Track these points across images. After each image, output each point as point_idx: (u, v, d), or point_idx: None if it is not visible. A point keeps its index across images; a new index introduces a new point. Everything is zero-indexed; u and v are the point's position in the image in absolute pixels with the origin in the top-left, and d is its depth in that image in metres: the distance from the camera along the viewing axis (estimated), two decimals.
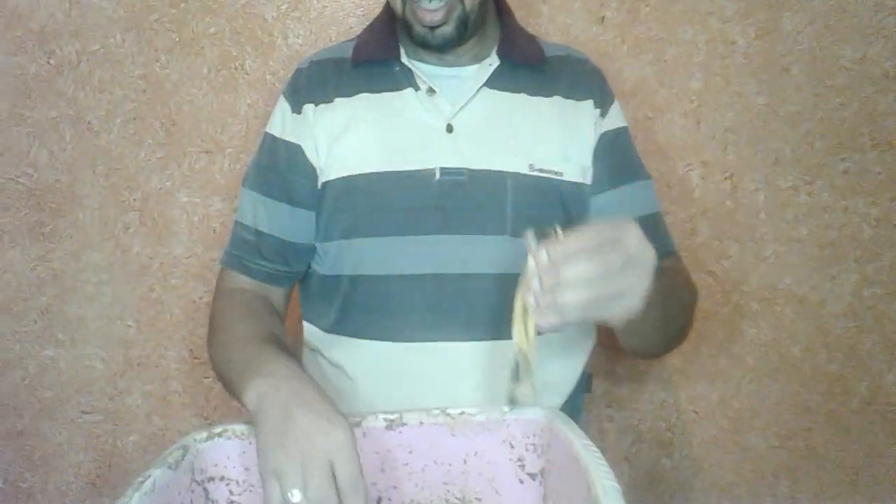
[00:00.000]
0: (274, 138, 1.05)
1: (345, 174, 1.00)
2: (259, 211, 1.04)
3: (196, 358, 1.41)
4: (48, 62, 1.32)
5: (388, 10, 1.05)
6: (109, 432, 1.44)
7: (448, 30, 0.96)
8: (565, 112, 1.03)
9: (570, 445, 0.72)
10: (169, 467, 0.74)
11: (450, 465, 0.82)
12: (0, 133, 1.34)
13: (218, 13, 1.32)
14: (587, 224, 0.69)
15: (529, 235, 0.69)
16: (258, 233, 1.04)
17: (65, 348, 1.41)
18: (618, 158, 1.06)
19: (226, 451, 0.79)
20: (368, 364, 1.01)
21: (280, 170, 1.04)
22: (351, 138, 1.01)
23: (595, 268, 0.66)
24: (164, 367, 1.42)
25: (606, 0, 1.34)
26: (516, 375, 0.72)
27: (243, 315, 0.98)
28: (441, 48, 0.99)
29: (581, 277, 0.65)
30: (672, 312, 0.90)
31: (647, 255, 0.69)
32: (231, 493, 0.80)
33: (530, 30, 1.11)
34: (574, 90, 1.05)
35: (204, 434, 0.79)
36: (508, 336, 0.93)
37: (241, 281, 1.05)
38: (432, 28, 0.96)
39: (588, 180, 1.03)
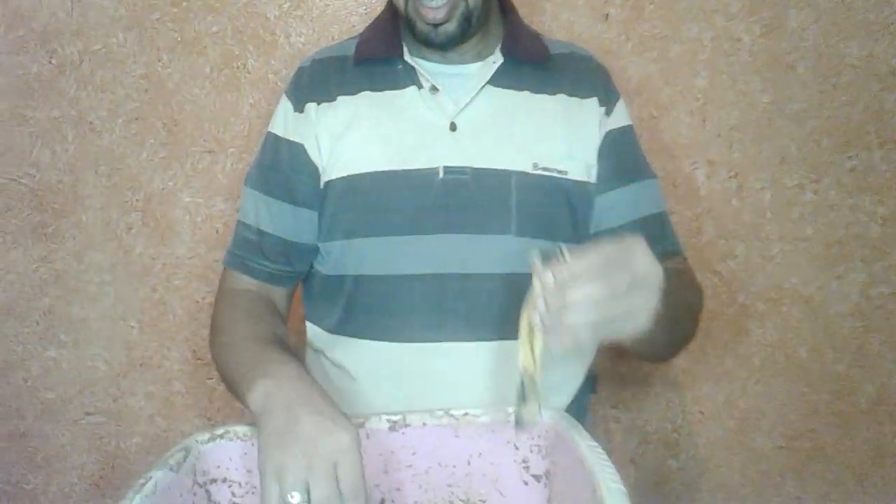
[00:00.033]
0: (276, 137, 1.05)
1: (347, 173, 1.00)
2: (261, 210, 1.04)
3: (199, 359, 1.41)
4: (50, 62, 1.32)
5: (390, 7, 1.05)
6: (112, 434, 1.44)
7: (451, 27, 0.96)
8: (569, 110, 1.03)
9: (575, 447, 0.71)
10: (170, 469, 0.73)
11: (454, 466, 0.82)
12: (2, 133, 1.34)
13: (220, 12, 1.32)
14: (593, 244, 0.68)
15: (535, 256, 0.68)
16: (260, 232, 1.03)
17: (67, 349, 1.41)
18: (623, 157, 1.05)
19: (228, 453, 0.79)
20: (371, 365, 1.01)
21: (282, 169, 1.03)
22: (353, 137, 1.00)
23: (601, 290, 0.65)
24: (167, 368, 1.42)
25: None
26: (522, 396, 0.71)
27: (246, 316, 0.98)
28: (444, 46, 0.98)
29: (587, 300, 0.65)
30: (679, 319, 0.90)
31: (654, 274, 0.69)
32: (233, 495, 0.80)
33: (534, 27, 1.11)
34: (578, 88, 1.04)
35: (206, 436, 0.79)
36: (513, 336, 0.92)
37: (244, 281, 1.05)
38: (435, 25, 0.95)
39: (593, 179, 1.02)
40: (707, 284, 1.37)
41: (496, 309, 0.98)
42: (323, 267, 1.04)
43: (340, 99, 1.02)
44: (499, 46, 1.03)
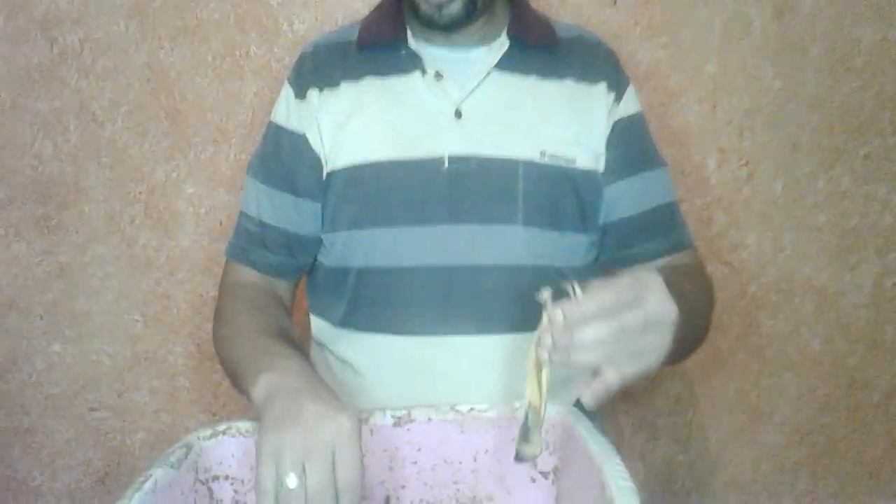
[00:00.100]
0: (278, 127, 1.03)
1: (350, 163, 0.98)
2: (263, 202, 1.03)
3: (203, 353, 1.39)
4: (51, 50, 1.30)
5: None
6: (117, 429, 1.43)
7: (455, 8, 0.93)
8: (577, 96, 1.00)
9: (583, 443, 0.70)
10: (171, 466, 0.72)
11: (460, 463, 0.81)
12: (3, 124, 1.32)
13: None
14: (607, 279, 0.67)
15: (545, 293, 0.67)
16: (262, 224, 1.02)
17: (71, 344, 1.40)
18: (632, 146, 1.03)
19: (230, 450, 0.78)
20: (377, 359, 0.99)
21: (284, 160, 1.02)
22: (356, 125, 0.99)
23: (610, 331, 0.65)
24: (171, 362, 1.41)
25: None
26: (526, 430, 0.70)
27: (249, 308, 0.97)
28: (448, 27, 0.95)
29: (596, 340, 0.65)
30: (691, 330, 0.88)
31: (668, 314, 0.68)
32: (236, 492, 0.79)
33: (541, 10, 1.08)
34: (587, 73, 1.02)
35: (208, 432, 0.78)
36: (520, 329, 0.91)
37: (247, 273, 1.04)
38: (439, 6, 0.93)
39: (601, 167, 1.00)
40: (717, 275, 1.37)
41: (503, 301, 0.96)
42: (326, 259, 1.03)
43: (343, 85, 1.00)
44: (505, 30, 1.01)
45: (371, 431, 0.79)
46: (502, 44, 0.99)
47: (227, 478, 0.78)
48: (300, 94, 1.01)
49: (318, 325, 1.08)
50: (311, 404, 0.69)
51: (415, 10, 0.96)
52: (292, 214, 1.02)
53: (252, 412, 0.77)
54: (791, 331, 1.40)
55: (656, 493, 1.46)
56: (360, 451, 0.68)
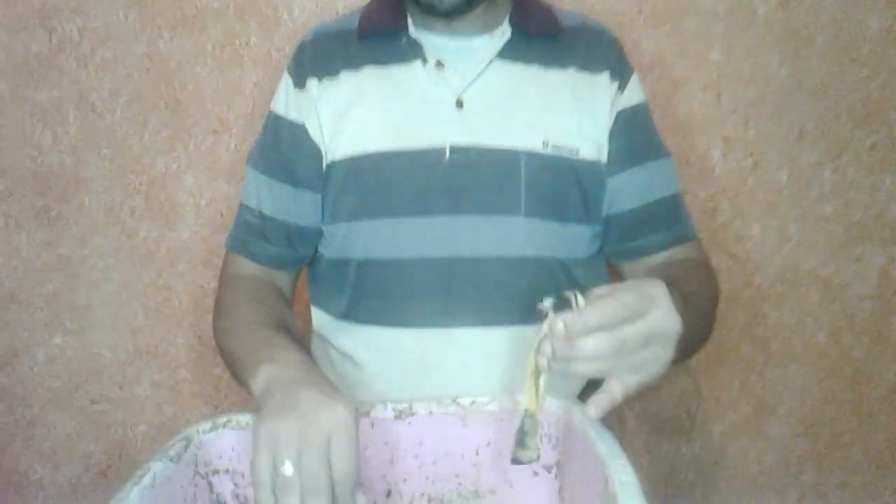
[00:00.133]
0: (277, 117, 1.02)
1: (350, 154, 0.97)
2: (263, 193, 1.02)
3: (205, 345, 1.39)
4: (50, 40, 1.29)
5: None
6: (119, 422, 1.43)
7: None
8: (580, 85, 0.99)
9: (586, 437, 0.69)
10: (170, 460, 0.72)
11: (461, 456, 0.80)
12: (2, 115, 1.31)
13: None
14: (611, 289, 0.67)
15: (547, 302, 0.67)
16: (262, 215, 1.02)
17: (72, 336, 1.39)
18: (636, 137, 1.02)
19: (230, 443, 0.77)
20: (377, 352, 0.99)
21: (283, 150, 1.01)
22: (356, 115, 0.97)
23: (612, 343, 0.64)
24: (172, 355, 1.40)
25: None
26: (522, 436, 0.69)
27: (249, 300, 0.97)
28: (449, 14, 0.93)
29: (596, 352, 0.64)
30: (695, 328, 0.86)
31: (672, 328, 0.67)
32: (236, 485, 0.78)
33: None
34: (590, 61, 1.00)
35: (208, 425, 0.77)
36: (522, 321, 0.90)
37: (247, 265, 1.03)
38: None
39: (604, 158, 0.99)
40: (722, 267, 1.36)
41: (505, 293, 0.95)
42: (327, 250, 1.02)
43: (343, 74, 0.99)
44: (507, 17, 0.99)
45: (372, 424, 0.78)
46: (504, 32, 0.98)
47: (227, 471, 0.78)
48: (299, 83, 1.00)
49: (319, 317, 1.07)
50: (309, 394, 0.69)
51: None
52: (292, 205, 1.01)
53: (253, 405, 0.76)
54: (796, 322, 1.39)
55: (660, 486, 1.45)
56: (356, 442, 0.67)
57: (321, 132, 0.99)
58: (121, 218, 1.35)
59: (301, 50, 1.03)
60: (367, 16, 1.02)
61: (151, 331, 1.39)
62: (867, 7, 1.28)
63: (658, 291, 0.67)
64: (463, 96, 0.96)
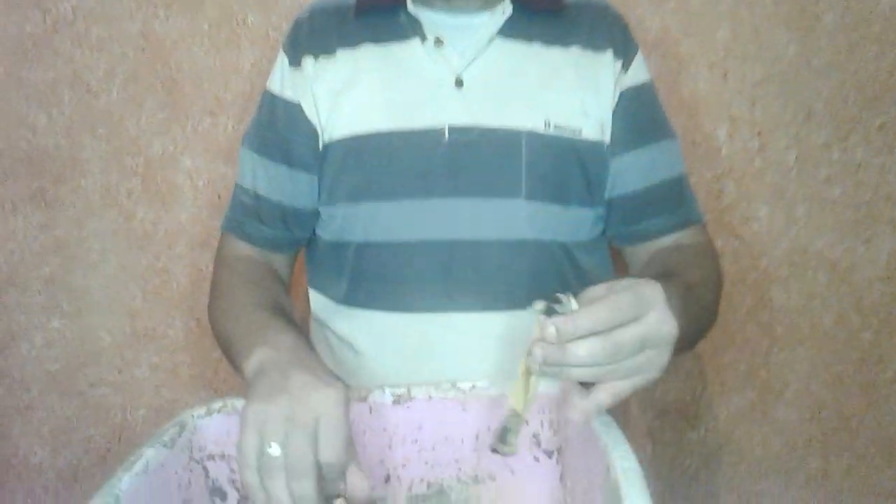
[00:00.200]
0: (273, 96, 1.00)
1: (347, 134, 0.95)
2: (258, 173, 1.00)
3: (203, 329, 1.38)
4: (44, 20, 1.27)
5: None
6: (118, 406, 1.43)
7: None
8: (583, 63, 0.97)
9: (588, 422, 0.67)
10: (164, 446, 0.71)
11: (461, 441, 0.79)
12: None
13: None
14: (606, 289, 0.64)
15: (539, 304, 0.64)
16: (257, 196, 1.00)
17: (70, 319, 1.39)
18: (639, 117, 0.99)
19: (226, 428, 0.76)
20: (377, 337, 0.97)
21: (279, 130, 0.99)
22: (353, 94, 0.95)
23: (606, 348, 0.61)
24: (171, 337, 1.40)
25: None
26: (504, 433, 0.68)
27: (245, 282, 0.95)
28: None
29: (589, 357, 0.61)
30: (698, 320, 0.84)
31: (668, 331, 0.65)
32: (232, 471, 0.77)
33: None
34: (593, 39, 0.98)
35: (202, 410, 0.76)
36: (522, 305, 0.88)
37: (243, 247, 1.02)
38: None
39: (607, 138, 0.97)
40: (728, 249, 1.34)
41: (506, 277, 0.94)
42: (325, 233, 1.01)
43: (340, 52, 0.97)
44: None
45: (370, 409, 0.77)
46: (505, 9, 0.95)
47: (223, 456, 0.76)
48: (294, 61, 0.98)
49: (317, 300, 1.06)
50: (299, 376, 0.67)
51: None
52: (287, 186, 0.99)
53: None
54: (803, 305, 1.38)
55: (664, 471, 1.44)
56: (345, 424, 0.65)
57: (317, 111, 0.97)
58: (118, 200, 1.33)
59: (297, 27, 1.01)
60: None
61: (150, 314, 1.38)
62: None
63: (653, 293, 0.65)
64: (462, 75, 0.94)
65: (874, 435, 1.42)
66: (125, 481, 0.64)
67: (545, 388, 0.75)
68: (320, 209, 0.99)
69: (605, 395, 0.64)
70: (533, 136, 0.93)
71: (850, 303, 1.37)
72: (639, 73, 1.00)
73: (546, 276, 0.95)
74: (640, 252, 1.02)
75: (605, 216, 1.01)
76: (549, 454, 0.78)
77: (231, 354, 0.84)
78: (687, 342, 0.70)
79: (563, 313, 0.63)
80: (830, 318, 1.38)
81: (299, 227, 1.02)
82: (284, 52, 1.00)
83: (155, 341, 1.39)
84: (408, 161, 0.93)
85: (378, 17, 0.97)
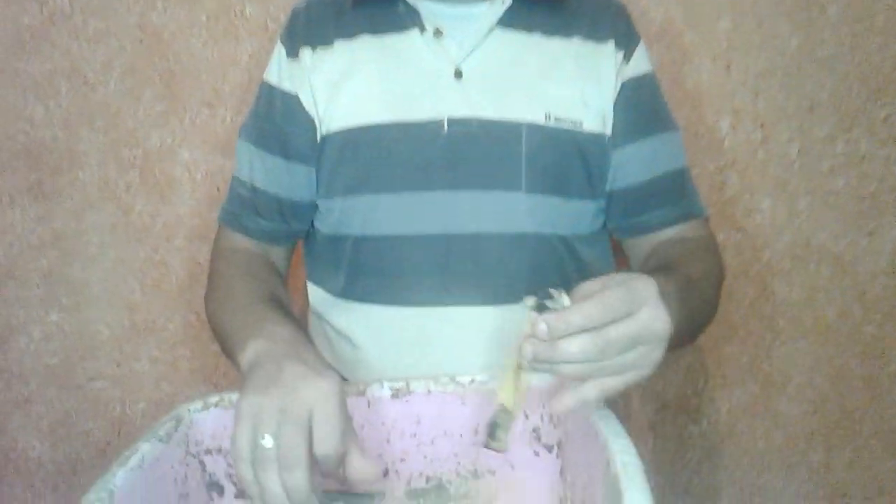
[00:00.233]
0: (270, 87, 0.99)
1: (345, 126, 0.94)
2: (255, 165, 0.99)
3: (202, 322, 1.37)
4: (41, 12, 1.26)
5: None
6: (117, 399, 1.42)
7: None
8: (584, 54, 0.96)
9: (587, 416, 0.67)
10: (160, 440, 0.71)
11: (460, 435, 0.78)
12: None
13: None
14: (598, 285, 0.63)
15: (530, 300, 0.64)
16: (254, 188, 0.99)
17: (69, 313, 1.38)
18: (641, 109, 0.98)
19: (223, 422, 0.76)
20: (374, 330, 0.97)
21: (276, 121, 0.98)
22: (351, 86, 0.94)
23: (597, 345, 0.60)
24: (170, 331, 1.39)
25: None
26: (493, 429, 0.67)
27: (242, 275, 0.95)
28: None
29: (580, 355, 0.61)
30: (697, 315, 0.84)
31: (661, 328, 0.64)
32: (229, 465, 0.77)
33: None
34: (595, 30, 0.97)
35: (199, 404, 0.76)
36: (522, 299, 0.87)
37: (240, 239, 1.01)
38: None
39: (608, 130, 0.96)
40: (730, 242, 1.33)
41: (505, 271, 0.93)
42: (323, 226, 1.00)
43: (337, 43, 0.96)
44: None
45: (369, 403, 0.77)
46: None
47: (220, 451, 0.76)
48: (292, 52, 0.97)
49: (315, 294, 1.05)
50: (293, 368, 0.67)
51: None
52: (284, 178, 0.98)
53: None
54: (806, 298, 1.37)
55: (666, 465, 1.44)
56: (339, 415, 0.65)
57: (315, 103, 0.96)
58: (116, 193, 1.33)
59: (294, 18, 1.00)
60: None
61: (148, 307, 1.38)
62: None
63: (647, 289, 0.64)
64: (462, 66, 0.93)
65: (877, 428, 1.41)
66: (120, 476, 0.65)
67: (545, 382, 0.75)
68: (318, 202, 0.99)
69: (592, 390, 0.63)
70: (533, 128, 0.92)
71: (853, 296, 1.36)
72: (640, 64, 0.99)
73: (546, 270, 0.95)
74: (642, 245, 1.01)
75: (606, 208, 1.00)
76: (549, 448, 0.78)
77: (227, 346, 0.84)
78: (687, 336, 0.69)
79: (554, 309, 0.62)
80: (833, 312, 1.37)
81: (297, 219, 1.01)
82: (282, 43, 0.99)
83: (154, 335, 1.39)
84: (406, 153, 0.92)
85: (376, 7, 0.96)
